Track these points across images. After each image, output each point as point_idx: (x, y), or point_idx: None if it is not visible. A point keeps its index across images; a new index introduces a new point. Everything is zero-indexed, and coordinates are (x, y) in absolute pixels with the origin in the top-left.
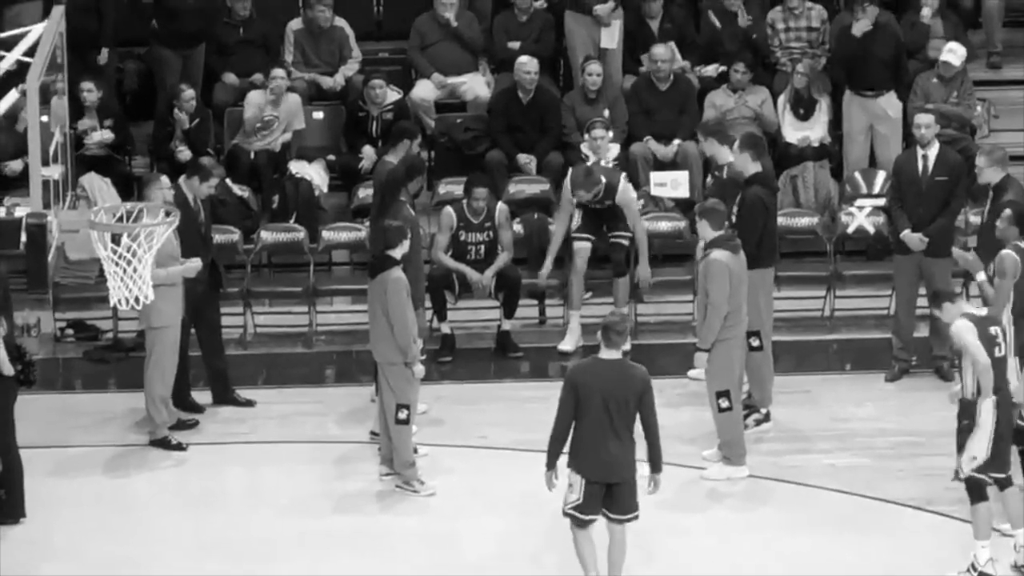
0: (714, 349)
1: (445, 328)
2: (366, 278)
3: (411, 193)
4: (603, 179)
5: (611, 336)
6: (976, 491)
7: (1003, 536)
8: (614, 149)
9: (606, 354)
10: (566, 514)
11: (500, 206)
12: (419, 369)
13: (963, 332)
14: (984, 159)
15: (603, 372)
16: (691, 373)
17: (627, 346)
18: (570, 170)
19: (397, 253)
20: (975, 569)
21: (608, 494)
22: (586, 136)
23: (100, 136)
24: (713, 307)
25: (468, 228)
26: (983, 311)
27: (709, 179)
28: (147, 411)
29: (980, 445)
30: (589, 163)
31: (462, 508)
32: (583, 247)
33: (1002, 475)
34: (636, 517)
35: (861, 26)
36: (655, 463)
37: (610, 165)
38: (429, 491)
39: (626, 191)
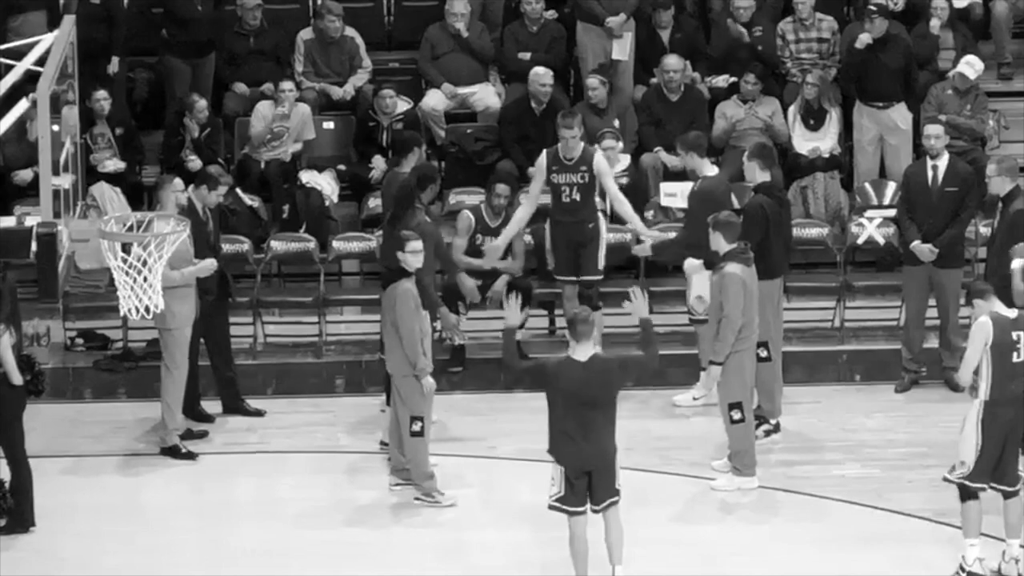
0: (726, 361)
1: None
2: (376, 288)
3: (425, 202)
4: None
5: (578, 328)
6: (965, 490)
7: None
8: (624, 160)
9: (578, 352)
10: (551, 507)
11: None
12: (428, 382)
13: (978, 330)
14: (993, 168)
15: (574, 374)
16: (677, 399)
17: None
18: (543, 152)
19: (409, 262)
20: (963, 570)
21: (589, 484)
22: (596, 147)
23: (114, 165)
24: (727, 320)
25: (485, 232)
26: (1013, 313)
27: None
28: (162, 416)
29: (967, 449)
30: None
31: (471, 518)
32: (569, 288)
33: (1007, 488)
34: (617, 500)
35: (863, 39)
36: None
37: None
38: (450, 501)
39: (601, 160)
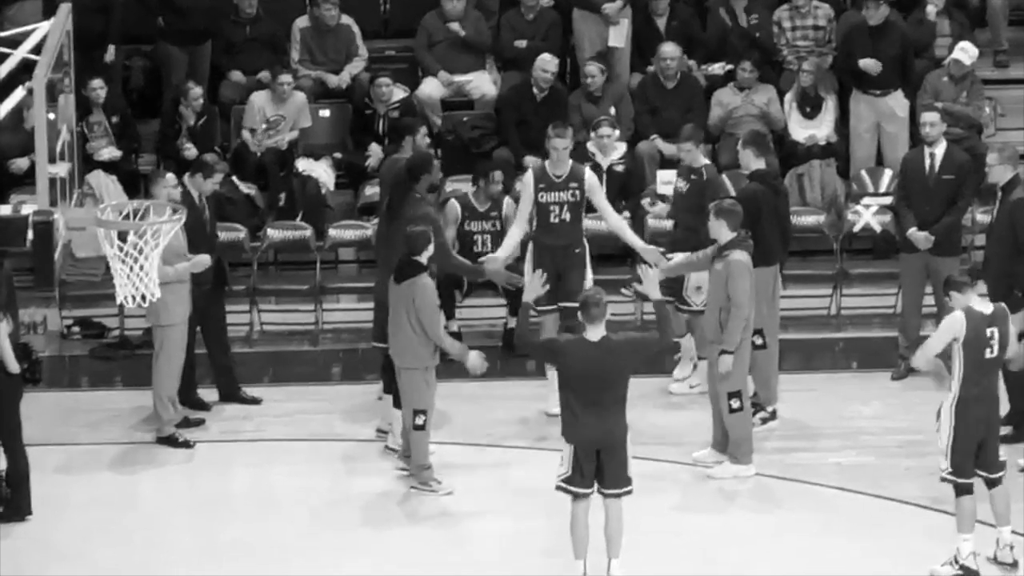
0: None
1: (453, 326)
2: (372, 276)
3: (422, 191)
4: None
5: (591, 310)
6: (958, 485)
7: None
8: (620, 147)
9: (591, 333)
10: (557, 487)
11: (507, 200)
12: (473, 359)
13: (948, 324)
14: (995, 157)
15: (587, 354)
16: (673, 387)
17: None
18: (529, 169)
19: (423, 258)
20: (956, 562)
21: (599, 467)
22: (592, 135)
23: (110, 154)
24: (736, 308)
25: (473, 217)
26: (989, 308)
27: (681, 183)
28: (155, 408)
29: (944, 444)
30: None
31: (469, 506)
32: (549, 319)
33: (990, 475)
34: (629, 491)
35: (872, 67)
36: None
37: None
38: (446, 490)
39: (592, 177)
